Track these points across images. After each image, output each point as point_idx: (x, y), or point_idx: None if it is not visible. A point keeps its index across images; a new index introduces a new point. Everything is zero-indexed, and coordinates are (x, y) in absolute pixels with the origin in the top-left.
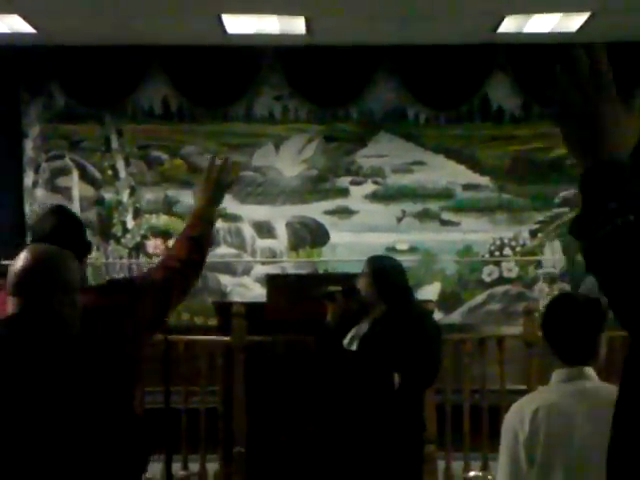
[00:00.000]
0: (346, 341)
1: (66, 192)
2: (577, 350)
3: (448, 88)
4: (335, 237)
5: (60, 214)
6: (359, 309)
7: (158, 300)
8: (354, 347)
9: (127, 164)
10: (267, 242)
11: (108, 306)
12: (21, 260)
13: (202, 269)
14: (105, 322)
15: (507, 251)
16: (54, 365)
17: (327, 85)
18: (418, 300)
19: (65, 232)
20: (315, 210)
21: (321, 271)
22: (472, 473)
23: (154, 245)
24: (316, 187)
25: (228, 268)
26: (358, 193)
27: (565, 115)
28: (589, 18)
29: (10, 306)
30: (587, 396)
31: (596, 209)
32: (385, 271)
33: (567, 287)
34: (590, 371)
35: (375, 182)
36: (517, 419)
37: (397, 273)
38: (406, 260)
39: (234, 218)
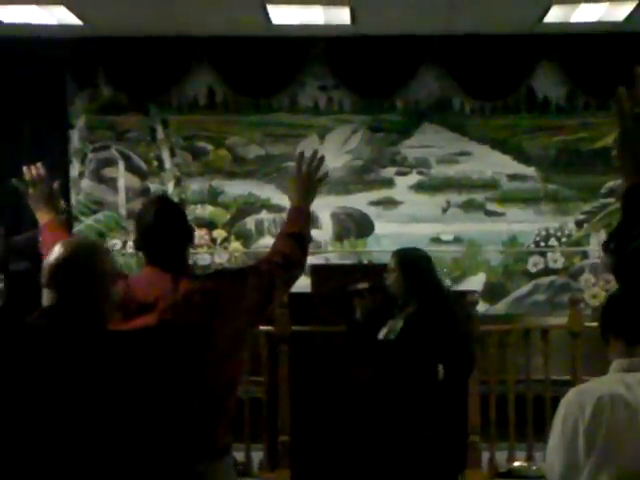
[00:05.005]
0: (382, 335)
1: (112, 183)
2: None
3: (494, 78)
4: (380, 228)
5: (162, 203)
6: (389, 303)
7: (262, 290)
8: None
9: (172, 155)
10: (312, 232)
11: (213, 291)
12: (55, 253)
13: (304, 264)
14: (207, 307)
15: (553, 242)
16: (87, 357)
17: (372, 75)
18: (448, 289)
19: (168, 220)
20: (360, 201)
21: (365, 262)
22: (517, 463)
23: (199, 236)
24: (361, 178)
25: None
26: (403, 184)
27: (625, 135)
28: (636, 7)
29: (46, 298)
30: None
31: (633, 224)
32: (413, 265)
33: (612, 278)
34: None
35: (420, 173)
36: (577, 406)
37: (425, 266)
38: (451, 251)
39: (278, 209)
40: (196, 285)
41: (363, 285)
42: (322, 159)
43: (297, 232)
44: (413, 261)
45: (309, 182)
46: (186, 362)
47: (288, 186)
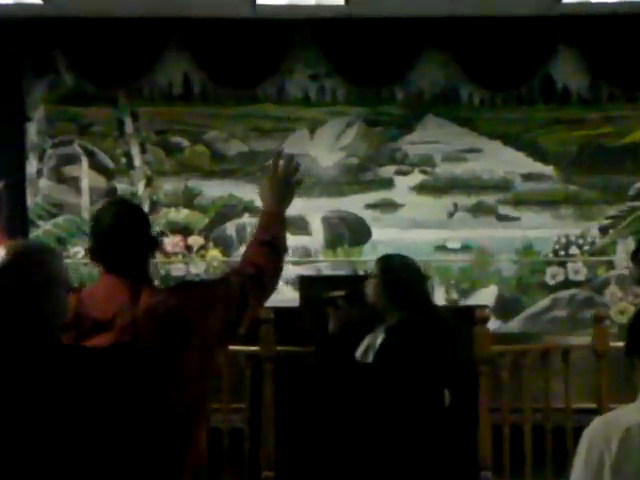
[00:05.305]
0: (359, 352)
1: (74, 182)
2: None
3: (506, 66)
4: (377, 234)
5: (121, 205)
6: (370, 315)
7: (232, 305)
8: (370, 359)
9: (143, 151)
10: (300, 239)
11: (177, 306)
12: None
13: (280, 274)
14: (170, 325)
15: (574, 250)
16: (32, 375)
17: (369, 62)
18: (435, 304)
19: (128, 224)
20: (355, 203)
21: (361, 272)
22: None
23: (173, 242)
24: (356, 177)
25: None
26: (404, 184)
27: None
28: None
29: None
30: None
31: None
32: (396, 273)
33: None
34: None
35: (423, 172)
36: (603, 438)
37: (409, 275)
38: (458, 260)
39: None
40: (158, 299)
41: (338, 292)
42: (298, 164)
43: (269, 239)
44: (396, 269)
45: (286, 183)
46: (146, 389)
47: (261, 189)
